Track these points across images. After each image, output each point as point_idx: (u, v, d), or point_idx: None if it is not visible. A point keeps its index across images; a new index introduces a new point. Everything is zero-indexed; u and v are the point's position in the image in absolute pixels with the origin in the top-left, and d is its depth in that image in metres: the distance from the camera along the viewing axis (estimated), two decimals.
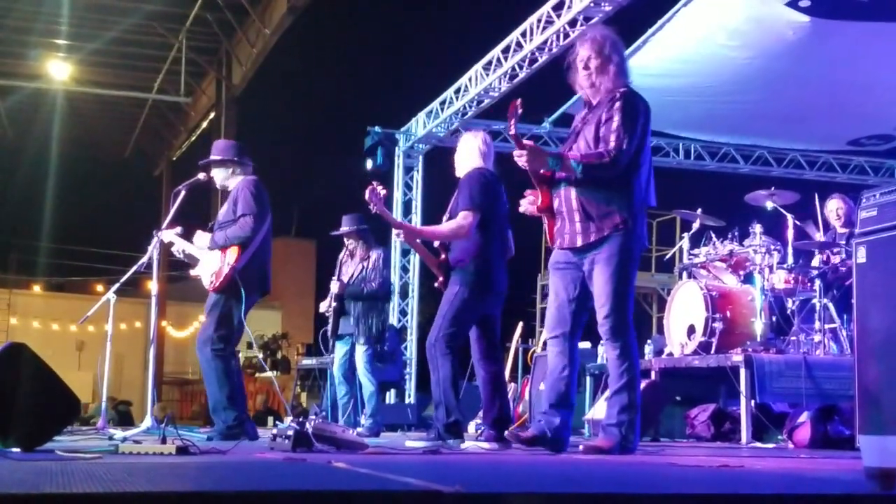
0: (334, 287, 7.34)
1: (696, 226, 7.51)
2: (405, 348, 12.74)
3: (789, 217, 6.89)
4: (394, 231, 5.28)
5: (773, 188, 7.17)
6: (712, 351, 6.60)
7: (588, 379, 7.96)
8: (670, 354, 7.07)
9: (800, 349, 6.47)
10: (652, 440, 6.74)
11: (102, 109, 18.74)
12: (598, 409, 6.32)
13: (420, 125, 12.83)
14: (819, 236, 7.20)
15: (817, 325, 6.57)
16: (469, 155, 5.21)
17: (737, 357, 6.19)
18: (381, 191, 5.13)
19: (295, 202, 25.50)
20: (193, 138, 19.14)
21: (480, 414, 5.75)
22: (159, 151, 21.04)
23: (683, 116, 10.72)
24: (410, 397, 12.64)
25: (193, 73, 16.72)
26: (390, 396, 12.37)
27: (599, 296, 4.23)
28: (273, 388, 15.56)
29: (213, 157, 5.83)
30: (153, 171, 21.76)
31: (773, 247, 6.83)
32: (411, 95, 13.92)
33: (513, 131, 4.29)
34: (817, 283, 6.64)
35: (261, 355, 16.78)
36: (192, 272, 5.80)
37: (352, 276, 7.32)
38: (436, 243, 5.21)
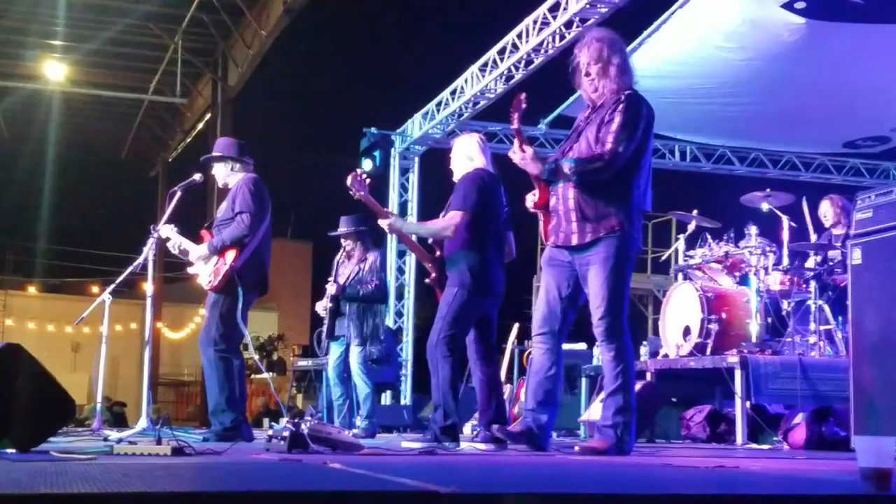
0: (330, 288, 7.35)
1: (691, 227, 7.52)
2: (401, 350, 12.74)
3: (785, 218, 6.90)
4: (380, 221, 5.11)
5: (768, 190, 7.18)
6: (708, 352, 6.61)
7: (584, 380, 7.98)
8: (666, 356, 7.08)
9: (795, 350, 6.48)
10: (647, 441, 6.75)
11: (98, 110, 18.71)
12: (594, 411, 6.33)
13: (416, 127, 12.84)
14: (814, 238, 7.23)
15: (812, 326, 6.59)
16: (465, 157, 5.18)
17: (732, 358, 6.20)
18: (365, 178, 5.05)
19: (291, 204, 25.49)
20: (189, 139, 19.11)
21: (476, 415, 5.75)
22: (155, 152, 21.02)
23: (679, 118, 10.75)
24: (406, 399, 12.65)
25: (189, 74, 16.70)
26: (386, 398, 12.38)
27: (595, 297, 4.23)
28: (270, 389, 15.55)
29: (213, 154, 5.85)
30: (149, 171, 21.73)
31: (768, 248, 6.84)
32: (407, 97, 13.95)
33: (516, 125, 4.28)
34: (812, 284, 6.65)
35: (257, 356, 16.75)
36: (191, 270, 5.79)
37: (348, 277, 7.32)
38: (429, 240, 5.20)
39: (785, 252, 6.83)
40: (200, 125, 18.03)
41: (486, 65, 10.59)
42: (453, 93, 11.57)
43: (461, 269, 4.94)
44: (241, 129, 15.26)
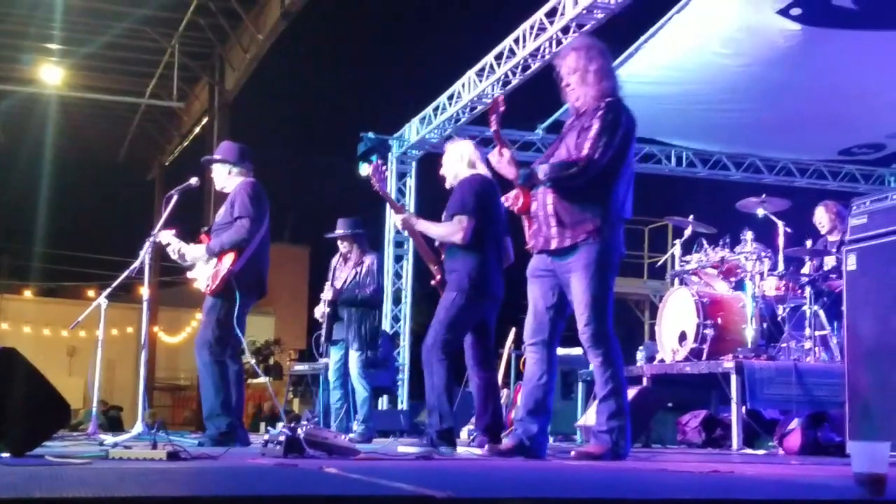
0: (326, 293, 7.34)
1: (687, 232, 7.54)
2: (398, 354, 12.74)
3: (780, 224, 6.92)
4: (392, 217, 5.14)
5: (764, 195, 7.19)
6: (703, 357, 6.62)
7: (580, 385, 7.98)
8: (662, 361, 7.09)
9: (790, 356, 6.49)
10: (643, 446, 6.75)
11: (95, 114, 18.71)
12: (590, 416, 6.33)
13: (413, 131, 12.84)
14: (809, 243, 7.24)
15: (808, 331, 6.60)
16: (459, 162, 5.16)
17: (728, 363, 6.21)
18: (385, 171, 5.05)
19: (288, 208, 25.52)
20: (186, 143, 19.12)
21: (473, 420, 5.74)
22: (152, 156, 21.02)
23: (675, 124, 10.76)
24: (403, 403, 12.63)
25: (186, 78, 16.71)
26: (383, 402, 12.36)
27: (578, 305, 4.25)
28: (266, 393, 15.54)
29: (214, 156, 5.86)
30: (146, 175, 21.74)
31: (763, 254, 6.85)
32: (405, 101, 13.94)
33: (494, 127, 4.29)
34: (808, 289, 6.67)
35: (253, 361, 16.75)
36: (189, 274, 5.79)
37: (345, 281, 7.32)
38: (436, 242, 5.21)
39: (780, 257, 6.84)
40: (197, 129, 18.04)
41: (483, 70, 10.60)
42: (451, 97, 11.58)
43: (460, 273, 4.94)
44: (237, 133, 15.25)
